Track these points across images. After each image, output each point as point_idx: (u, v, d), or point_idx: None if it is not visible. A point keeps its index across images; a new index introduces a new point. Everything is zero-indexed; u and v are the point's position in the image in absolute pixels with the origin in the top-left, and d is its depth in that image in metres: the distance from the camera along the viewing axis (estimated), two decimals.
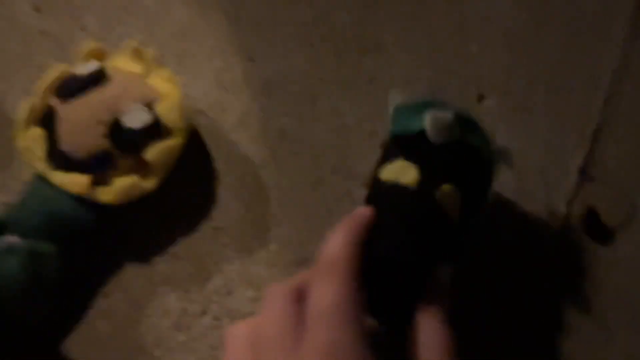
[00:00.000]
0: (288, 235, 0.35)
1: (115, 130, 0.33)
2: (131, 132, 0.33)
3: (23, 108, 0.35)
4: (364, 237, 0.27)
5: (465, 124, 0.30)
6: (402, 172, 0.29)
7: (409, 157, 0.29)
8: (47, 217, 0.32)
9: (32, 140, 0.34)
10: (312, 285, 0.25)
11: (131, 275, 0.34)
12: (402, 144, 0.30)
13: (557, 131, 0.38)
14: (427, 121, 0.29)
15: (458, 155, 0.29)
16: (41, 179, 0.34)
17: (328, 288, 0.25)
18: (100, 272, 0.34)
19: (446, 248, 0.29)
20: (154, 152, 0.34)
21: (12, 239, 0.28)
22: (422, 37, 0.40)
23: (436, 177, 0.29)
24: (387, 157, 0.31)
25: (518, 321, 0.33)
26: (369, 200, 0.30)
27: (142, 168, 0.34)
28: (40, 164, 0.34)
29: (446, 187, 0.29)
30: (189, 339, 0.33)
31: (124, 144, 0.33)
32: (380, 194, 0.29)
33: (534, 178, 0.37)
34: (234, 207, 0.36)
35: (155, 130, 0.34)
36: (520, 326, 0.33)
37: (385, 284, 0.27)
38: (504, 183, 0.36)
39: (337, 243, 0.26)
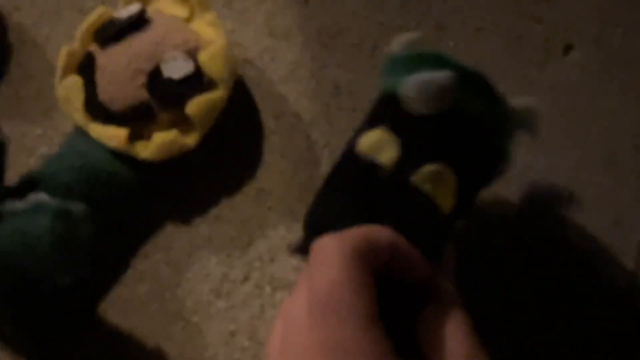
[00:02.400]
0: None
1: (155, 80, 0.31)
2: (171, 82, 0.31)
3: (62, 54, 0.33)
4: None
5: (469, 85, 0.24)
6: (380, 146, 0.24)
7: (393, 126, 0.24)
8: (83, 172, 0.30)
9: (71, 89, 0.32)
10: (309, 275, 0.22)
11: (172, 237, 0.33)
12: (388, 108, 0.25)
13: None
14: (408, 87, 0.23)
15: (452, 126, 0.24)
16: (79, 132, 0.32)
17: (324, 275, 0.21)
18: (140, 233, 0.33)
19: (431, 241, 0.24)
20: (195, 105, 0.31)
21: (41, 196, 0.26)
22: None
23: (419, 155, 0.23)
24: (371, 120, 0.25)
25: None
26: (336, 171, 0.25)
27: (183, 122, 0.32)
28: (79, 115, 0.32)
29: (429, 168, 0.23)
30: (229, 306, 0.31)
31: (163, 95, 0.31)
32: (350, 172, 0.25)
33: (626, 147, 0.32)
34: (280, 167, 0.33)
35: (197, 81, 0.31)
36: None
37: None
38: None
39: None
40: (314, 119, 0.34)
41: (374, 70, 0.35)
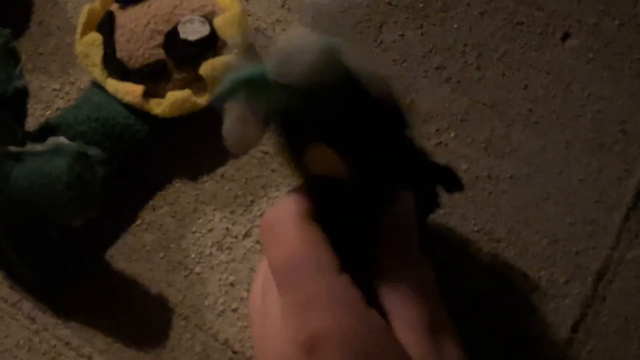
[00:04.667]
0: None
1: (171, 41, 0.33)
2: (187, 43, 0.32)
3: (83, 12, 0.34)
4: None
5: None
6: None
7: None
8: (99, 123, 0.31)
9: (90, 45, 0.34)
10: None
11: (178, 191, 0.34)
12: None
13: None
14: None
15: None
16: (97, 86, 0.33)
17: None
18: (149, 186, 0.34)
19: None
20: (209, 66, 0.32)
21: (61, 139, 0.28)
22: None
23: (300, 144, 0.23)
24: None
25: None
26: None
27: (196, 83, 0.33)
28: (96, 71, 0.33)
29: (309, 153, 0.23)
30: (230, 259, 0.33)
31: (179, 55, 0.32)
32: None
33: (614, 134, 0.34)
34: None
35: (212, 44, 0.33)
36: None
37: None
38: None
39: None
40: None
41: (379, 47, 0.36)
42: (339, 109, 0.22)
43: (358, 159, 0.23)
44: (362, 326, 0.22)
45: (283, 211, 0.23)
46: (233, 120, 0.22)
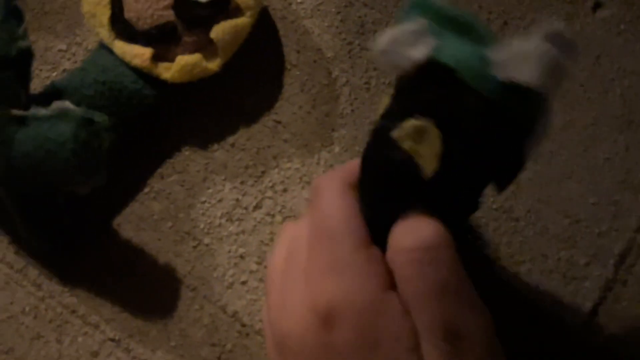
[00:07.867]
0: (354, 138, 0.33)
1: (182, 2, 0.31)
2: (197, 5, 0.31)
3: None
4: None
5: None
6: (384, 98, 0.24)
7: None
8: (106, 87, 0.30)
9: (96, 5, 0.32)
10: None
11: (188, 160, 0.33)
12: None
13: None
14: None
15: (443, 84, 0.21)
16: (104, 48, 0.32)
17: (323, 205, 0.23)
18: (158, 153, 0.33)
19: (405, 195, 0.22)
20: (220, 30, 0.31)
21: (66, 104, 0.27)
22: None
23: (403, 109, 0.21)
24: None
25: None
26: None
27: (207, 48, 0.32)
28: (103, 32, 0.32)
29: (411, 123, 0.21)
30: (240, 231, 0.32)
31: (189, 17, 0.31)
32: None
33: None
34: (299, 101, 0.33)
35: (224, 5, 0.31)
36: None
37: None
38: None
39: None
40: (336, 55, 0.34)
41: (400, 11, 0.35)
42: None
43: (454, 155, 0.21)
44: (375, 304, 0.21)
45: (331, 177, 0.24)
46: (410, 32, 0.21)
